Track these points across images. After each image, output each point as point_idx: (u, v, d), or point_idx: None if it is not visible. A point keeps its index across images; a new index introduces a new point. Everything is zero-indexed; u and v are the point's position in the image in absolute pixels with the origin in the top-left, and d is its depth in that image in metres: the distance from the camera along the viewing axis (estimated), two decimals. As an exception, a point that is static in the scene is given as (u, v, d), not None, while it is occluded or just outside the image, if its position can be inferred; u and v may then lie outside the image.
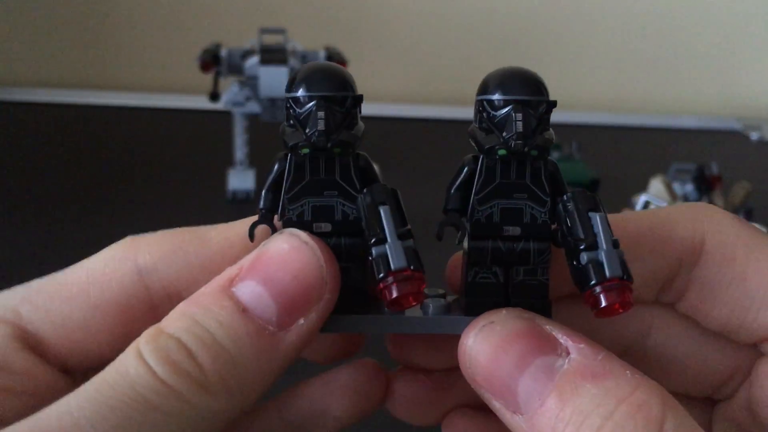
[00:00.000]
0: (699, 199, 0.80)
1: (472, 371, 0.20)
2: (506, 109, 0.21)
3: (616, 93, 1.25)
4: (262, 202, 0.22)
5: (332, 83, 0.22)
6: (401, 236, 0.21)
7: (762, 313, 0.21)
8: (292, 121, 0.22)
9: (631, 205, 0.80)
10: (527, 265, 0.22)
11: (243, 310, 0.19)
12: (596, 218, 0.21)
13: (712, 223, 0.22)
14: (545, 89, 0.22)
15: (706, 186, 0.81)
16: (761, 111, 1.25)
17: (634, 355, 0.24)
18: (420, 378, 0.25)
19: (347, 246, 0.22)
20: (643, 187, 0.81)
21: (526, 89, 0.21)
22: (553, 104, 0.22)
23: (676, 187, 0.81)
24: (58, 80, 1.13)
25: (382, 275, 0.20)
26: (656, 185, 0.81)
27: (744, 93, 1.27)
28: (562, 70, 1.22)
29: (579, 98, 1.23)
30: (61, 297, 0.21)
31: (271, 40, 0.76)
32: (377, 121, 1.07)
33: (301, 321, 0.19)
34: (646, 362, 0.24)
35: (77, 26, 1.12)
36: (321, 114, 0.21)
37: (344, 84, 0.22)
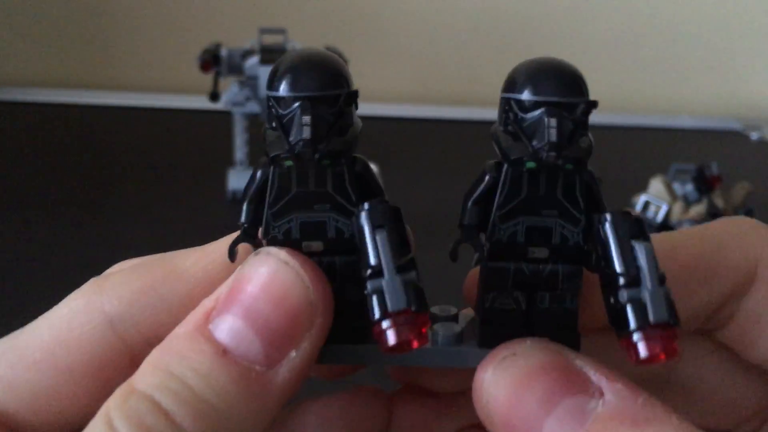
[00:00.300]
0: (699, 199, 0.80)
1: (488, 410, 0.17)
2: (538, 113, 0.18)
3: (615, 93, 1.25)
4: (243, 216, 0.19)
5: (321, 79, 0.18)
6: (401, 269, 0.17)
7: None
8: (274, 124, 0.18)
9: (631, 205, 0.80)
10: (554, 290, 0.19)
11: (223, 352, 0.16)
12: (641, 249, 0.17)
13: (766, 247, 0.19)
14: (585, 87, 0.19)
15: (706, 186, 0.81)
16: (761, 111, 1.25)
17: (655, 380, 0.21)
18: (425, 402, 0.22)
19: (343, 265, 0.19)
20: (643, 187, 0.81)
21: (562, 88, 0.19)
22: (594, 104, 0.19)
23: (676, 187, 0.81)
24: (58, 80, 1.13)
25: (377, 317, 0.17)
26: (656, 185, 0.81)
27: (744, 93, 1.27)
28: (562, 70, 1.21)
29: (579, 98, 1.23)
30: (24, 365, 0.18)
31: (271, 40, 0.76)
32: (377, 121, 1.07)
33: (293, 354, 0.17)
34: (669, 390, 0.21)
35: (77, 26, 1.12)
36: (306, 119, 0.17)
37: (335, 79, 0.18)
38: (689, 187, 0.81)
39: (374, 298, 0.17)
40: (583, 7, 1.19)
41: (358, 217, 0.18)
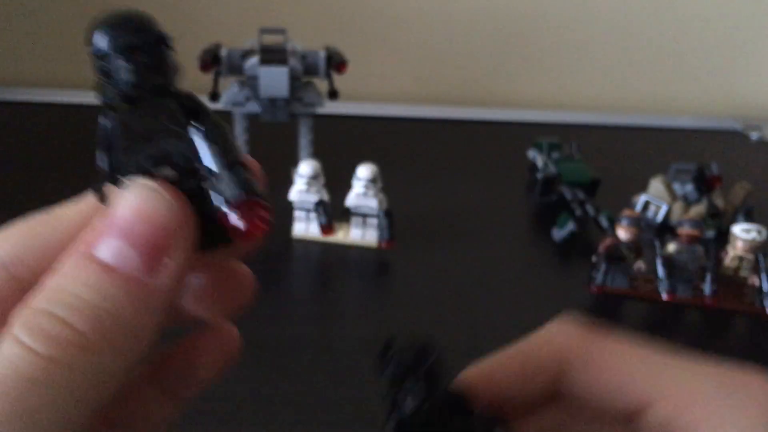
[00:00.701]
0: (699, 199, 0.80)
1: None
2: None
3: (616, 93, 1.25)
4: (100, 161, 0.22)
5: (135, 29, 0.21)
6: (230, 165, 0.20)
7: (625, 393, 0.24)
8: (102, 75, 0.22)
9: (631, 205, 0.80)
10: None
11: (108, 268, 0.19)
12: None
13: (573, 344, 0.25)
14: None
15: (706, 186, 0.81)
16: (761, 111, 1.25)
17: None
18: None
19: (195, 184, 0.21)
20: (643, 187, 0.81)
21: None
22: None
23: (676, 187, 0.81)
24: (58, 80, 1.13)
25: (221, 209, 0.20)
26: (656, 185, 0.81)
27: (744, 93, 1.27)
28: (562, 69, 1.22)
29: (579, 98, 1.23)
30: None
31: (271, 40, 0.76)
32: (377, 121, 1.07)
33: (167, 261, 0.19)
34: None
35: (77, 26, 1.12)
36: (129, 66, 0.21)
37: (147, 28, 0.22)
38: (689, 187, 0.81)
39: (213, 195, 0.20)
40: (583, 7, 1.19)
41: (188, 134, 0.21)
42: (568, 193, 0.78)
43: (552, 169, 0.83)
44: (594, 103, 1.23)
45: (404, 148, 0.97)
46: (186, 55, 0.89)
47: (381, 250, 0.68)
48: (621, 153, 1.02)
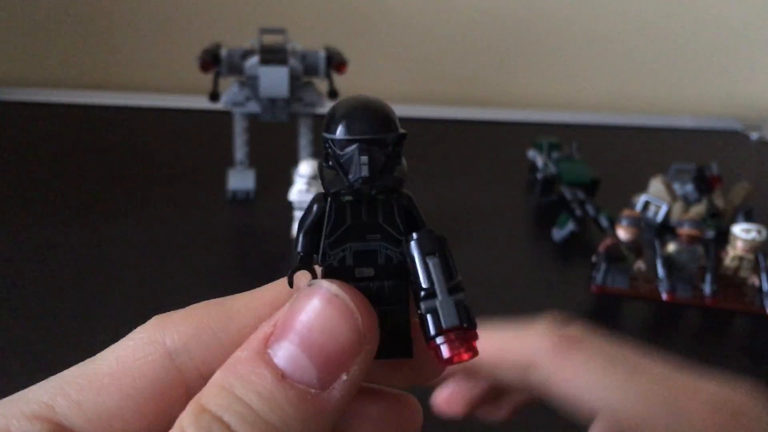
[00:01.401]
0: (699, 199, 0.80)
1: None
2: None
3: (616, 93, 1.25)
4: (300, 246, 0.21)
5: (375, 123, 0.20)
6: (451, 290, 0.20)
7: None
8: (331, 162, 0.21)
9: (631, 205, 0.80)
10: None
11: (282, 376, 0.18)
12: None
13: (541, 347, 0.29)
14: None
15: (706, 186, 0.81)
16: (761, 111, 1.25)
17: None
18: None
19: (391, 288, 0.21)
20: (643, 187, 0.81)
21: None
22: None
23: (676, 187, 0.81)
24: (58, 80, 1.13)
25: (433, 333, 0.20)
26: (656, 185, 0.81)
27: (744, 93, 1.27)
28: (561, 70, 1.22)
29: (579, 98, 1.23)
30: (93, 389, 0.21)
31: (271, 40, 0.76)
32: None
33: (344, 377, 0.19)
34: None
35: (77, 26, 1.13)
36: (364, 159, 0.20)
37: (388, 123, 0.21)
38: (689, 187, 0.81)
39: (429, 317, 0.20)
40: (583, 7, 1.19)
41: (409, 245, 0.21)
42: (568, 193, 0.78)
43: (552, 169, 0.82)
44: (594, 103, 1.23)
45: (404, 149, 0.97)
46: (186, 55, 0.89)
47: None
48: (621, 153, 1.02)
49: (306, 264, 0.21)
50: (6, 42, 1.13)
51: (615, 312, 0.63)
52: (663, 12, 1.21)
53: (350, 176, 0.20)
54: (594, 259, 0.65)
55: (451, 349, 0.19)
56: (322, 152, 0.21)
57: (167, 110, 1.04)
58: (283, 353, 0.19)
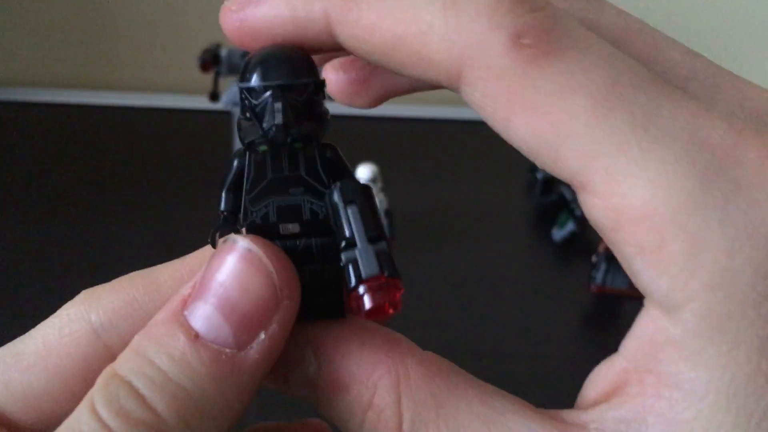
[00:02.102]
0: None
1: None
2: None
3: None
4: (222, 204, 0.20)
5: (290, 69, 0.19)
6: (373, 239, 0.18)
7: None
8: (248, 114, 0.20)
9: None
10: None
11: (195, 337, 0.18)
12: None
13: (473, 48, 0.17)
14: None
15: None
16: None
17: None
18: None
19: (319, 246, 0.19)
20: (643, 187, 0.82)
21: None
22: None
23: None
24: (58, 80, 1.13)
25: (353, 284, 0.18)
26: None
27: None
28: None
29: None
30: (20, 368, 0.20)
31: (271, 40, 0.76)
32: (377, 121, 1.07)
33: (262, 336, 0.18)
34: None
35: (77, 26, 1.12)
36: (278, 106, 0.19)
37: (304, 69, 0.20)
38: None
39: (350, 267, 0.18)
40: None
41: (331, 196, 0.19)
42: (568, 193, 0.78)
43: (552, 169, 0.82)
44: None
45: (404, 148, 0.97)
46: (186, 55, 0.89)
47: (381, 250, 0.68)
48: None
49: (229, 223, 0.20)
50: (6, 42, 1.13)
51: (615, 312, 0.63)
52: (662, 12, 1.21)
53: (264, 124, 0.19)
54: (594, 259, 0.65)
55: (373, 299, 0.18)
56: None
57: (167, 110, 1.04)
58: (199, 313, 0.18)
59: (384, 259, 0.18)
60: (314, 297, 0.19)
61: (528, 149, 0.18)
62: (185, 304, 0.18)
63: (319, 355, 0.19)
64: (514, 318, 0.61)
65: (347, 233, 0.19)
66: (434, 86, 0.19)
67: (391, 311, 0.18)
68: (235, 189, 0.20)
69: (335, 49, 0.20)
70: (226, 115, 0.79)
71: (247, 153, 0.20)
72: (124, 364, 0.18)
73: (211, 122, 0.93)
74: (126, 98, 1.07)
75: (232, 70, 0.75)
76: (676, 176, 0.15)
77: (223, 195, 0.20)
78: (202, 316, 0.18)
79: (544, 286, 0.66)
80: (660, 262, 0.16)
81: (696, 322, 0.15)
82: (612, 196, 0.16)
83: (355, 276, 0.18)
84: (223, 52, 0.75)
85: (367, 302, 0.18)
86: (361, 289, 0.18)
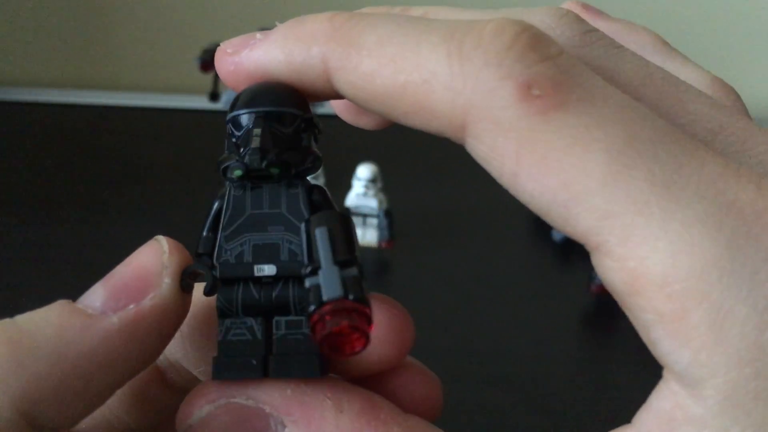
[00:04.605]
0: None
1: None
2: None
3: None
4: (200, 247, 0.19)
5: (275, 98, 0.18)
6: (342, 264, 0.17)
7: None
8: (231, 148, 0.19)
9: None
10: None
11: (69, 301, 0.18)
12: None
13: (476, 96, 0.16)
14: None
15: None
16: (761, 111, 1.25)
17: None
18: None
19: (297, 296, 0.18)
20: (643, 187, 0.81)
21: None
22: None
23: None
24: (58, 80, 1.13)
25: (312, 308, 0.16)
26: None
27: (744, 93, 1.27)
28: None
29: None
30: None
31: (271, 40, 0.76)
32: (377, 121, 1.07)
33: (131, 307, 0.18)
34: None
35: (77, 26, 1.12)
36: (257, 131, 0.18)
37: (289, 99, 0.18)
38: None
39: (310, 293, 0.17)
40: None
41: (306, 223, 0.18)
42: (568, 193, 0.78)
43: (552, 169, 0.82)
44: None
45: (404, 148, 0.97)
46: (186, 55, 0.89)
47: (381, 250, 0.68)
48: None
49: (203, 264, 0.19)
50: (6, 42, 1.13)
51: (615, 312, 0.63)
52: (661, 12, 1.21)
53: (242, 150, 0.18)
54: (594, 259, 0.65)
55: (332, 323, 0.16)
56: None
57: (167, 110, 1.04)
58: (88, 292, 0.19)
59: (351, 284, 0.16)
60: (289, 353, 0.17)
61: (537, 206, 0.16)
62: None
63: (288, 423, 0.17)
64: (514, 318, 0.61)
65: (314, 257, 0.17)
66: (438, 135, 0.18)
67: (358, 346, 0.16)
68: (215, 230, 0.19)
69: (332, 96, 0.19)
70: (226, 115, 0.79)
71: (227, 191, 0.19)
72: None
73: (211, 122, 0.93)
74: (126, 98, 1.07)
75: (232, 70, 0.75)
76: (701, 240, 0.14)
77: (202, 237, 0.19)
78: (90, 290, 0.19)
79: (544, 286, 0.66)
80: (681, 333, 0.14)
81: (719, 400, 0.14)
82: (629, 260, 0.15)
83: (315, 300, 0.16)
84: (223, 52, 0.75)
85: (325, 327, 0.16)
86: (319, 314, 0.16)
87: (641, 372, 0.56)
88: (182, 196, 0.77)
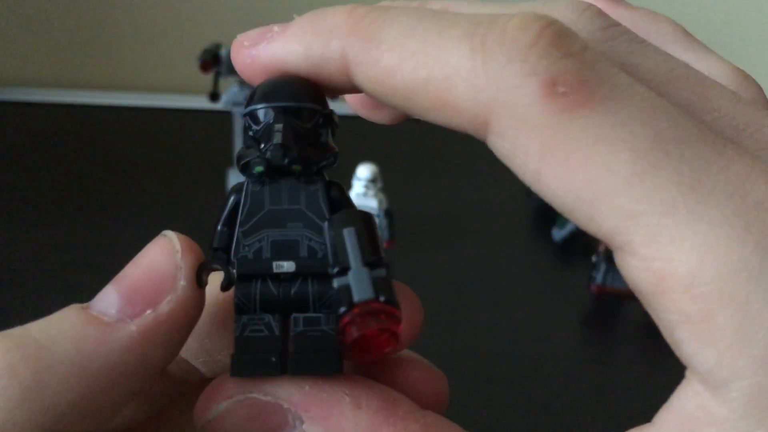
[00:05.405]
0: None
1: None
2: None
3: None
4: (215, 241, 0.19)
5: (295, 93, 0.18)
6: (371, 264, 0.16)
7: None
8: (249, 143, 0.18)
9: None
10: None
11: (83, 307, 0.17)
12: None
13: (501, 94, 0.16)
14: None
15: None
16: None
17: None
18: None
19: (316, 292, 0.17)
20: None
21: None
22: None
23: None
24: (58, 80, 1.13)
25: (342, 310, 0.16)
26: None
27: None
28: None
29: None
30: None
31: (271, 40, 0.76)
32: (377, 121, 1.07)
33: (149, 312, 0.17)
34: None
35: (77, 26, 1.12)
36: (278, 126, 0.18)
37: (311, 96, 0.18)
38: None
39: (339, 294, 0.16)
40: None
41: (329, 222, 0.18)
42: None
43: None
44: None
45: (404, 148, 0.97)
46: (186, 55, 0.89)
47: (381, 250, 0.68)
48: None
49: (220, 260, 0.18)
50: (6, 42, 1.13)
51: (615, 312, 0.63)
52: (662, 12, 1.21)
53: (262, 146, 0.18)
54: (594, 259, 0.65)
55: (363, 326, 0.16)
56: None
57: (167, 110, 1.04)
58: (99, 295, 0.18)
59: (381, 285, 0.16)
60: (308, 350, 0.17)
61: (561, 205, 0.16)
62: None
63: (306, 419, 0.17)
64: (514, 318, 0.61)
65: (341, 258, 0.17)
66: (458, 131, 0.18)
67: (387, 348, 0.16)
68: (231, 225, 0.19)
69: (350, 90, 0.19)
70: (226, 115, 0.79)
71: (245, 186, 0.19)
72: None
73: (211, 122, 0.93)
74: (126, 98, 1.07)
75: (232, 70, 0.75)
76: (728, 241, 0.14)
77: (217, 231, 0.19)
78: (100, 294, 0.18)
79: (544, 286, 0.66)
80: (706, 334, 0.14)
81: (744, 402, 0.14)
82: (654, 260, 0.15)
83: (346, 301, 0.16)
84: (223, 52, 0.75)
85: (355, 330, 0.16)
86: (349, 317, 0.16)
87: (641, 372, 0.56)
88: (182, 196, 0.77)
